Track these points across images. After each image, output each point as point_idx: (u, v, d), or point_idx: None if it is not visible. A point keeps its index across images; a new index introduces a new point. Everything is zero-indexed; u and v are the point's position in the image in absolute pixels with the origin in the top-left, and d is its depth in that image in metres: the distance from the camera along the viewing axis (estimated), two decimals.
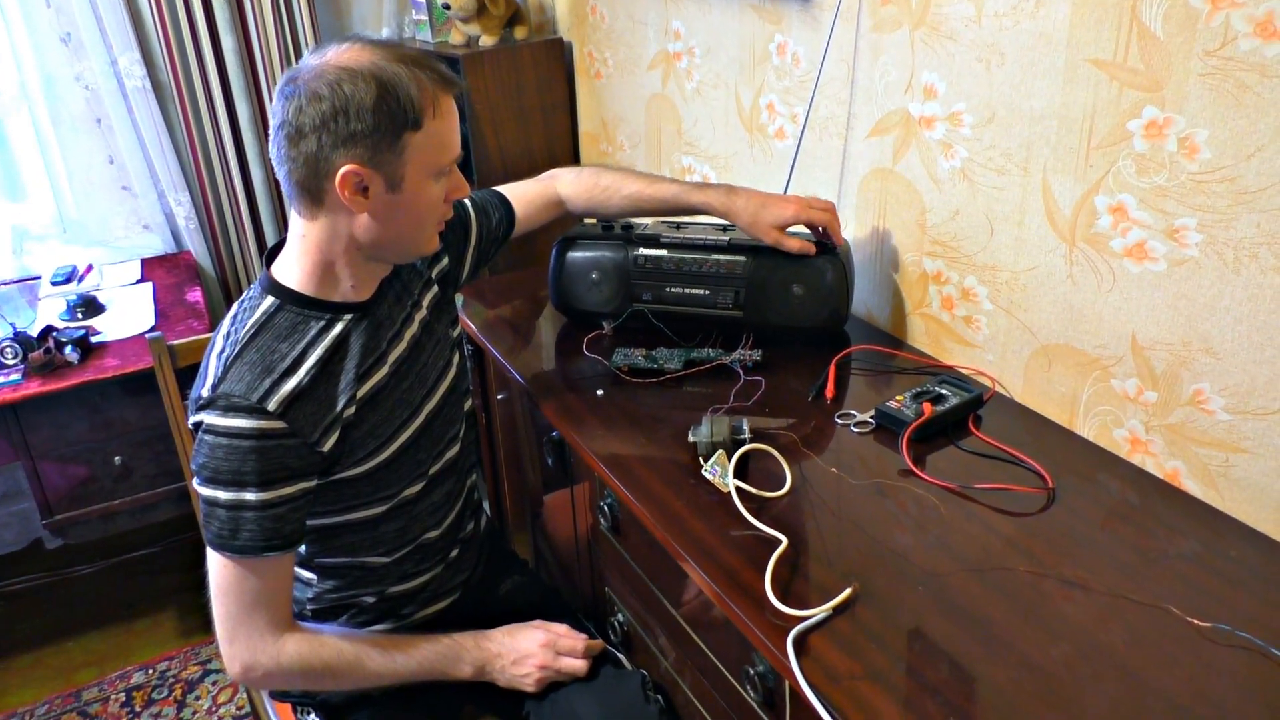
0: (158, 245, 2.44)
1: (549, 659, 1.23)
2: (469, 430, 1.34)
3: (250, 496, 1.04)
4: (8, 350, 1.84)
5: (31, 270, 2.32)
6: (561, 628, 1.27)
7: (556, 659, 1.24)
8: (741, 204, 1.40)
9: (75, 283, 2.21)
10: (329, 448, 1.08)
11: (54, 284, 2.19)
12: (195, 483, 1.06)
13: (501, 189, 1.45)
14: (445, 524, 1.28)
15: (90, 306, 2.08)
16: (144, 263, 2.37)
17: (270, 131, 1.05)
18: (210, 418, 1.03)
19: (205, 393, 1.04)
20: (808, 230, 1.44)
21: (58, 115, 2.27)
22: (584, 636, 1.28)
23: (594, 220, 1.55)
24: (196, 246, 2.42)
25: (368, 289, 1.14)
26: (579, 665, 1.24)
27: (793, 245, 1.40)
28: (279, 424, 1.03)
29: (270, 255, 1.14)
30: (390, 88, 1.00)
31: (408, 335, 1.20)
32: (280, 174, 1.06)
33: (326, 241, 1.08)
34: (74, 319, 2.04)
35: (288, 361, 1.06)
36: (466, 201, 1.37)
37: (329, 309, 1.11)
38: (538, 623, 1.27)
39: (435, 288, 1.28)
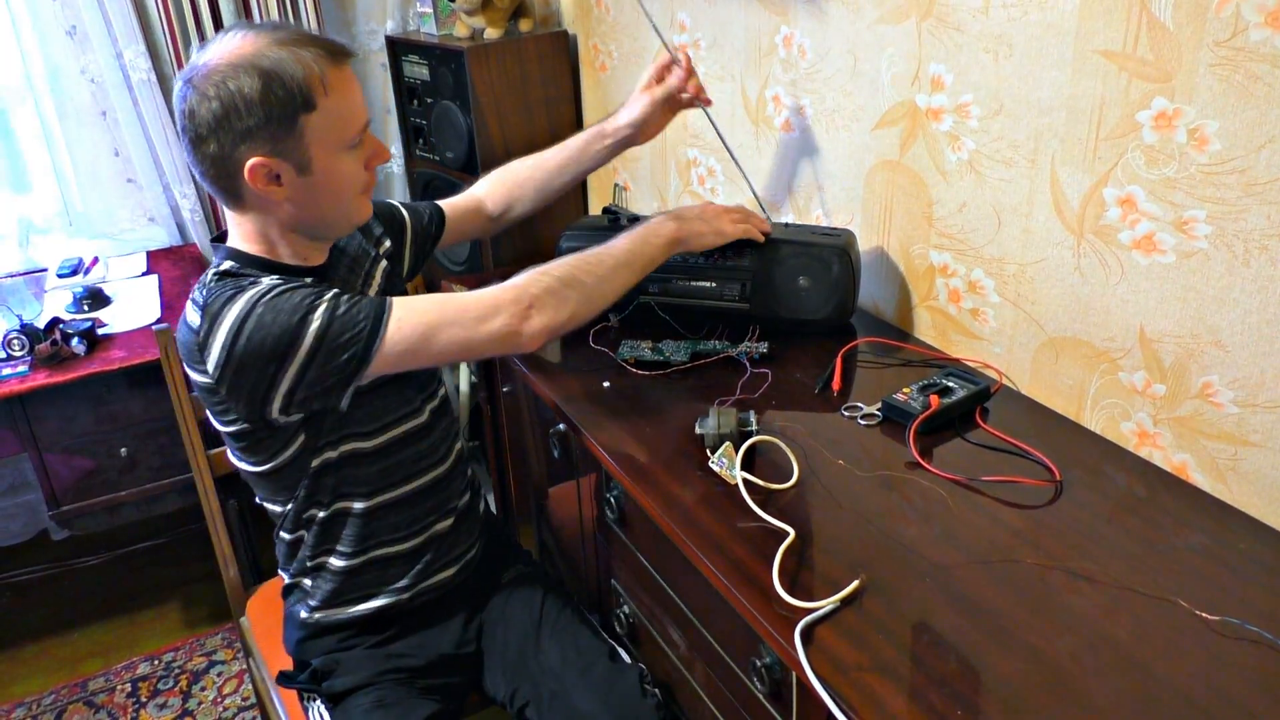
0: (163, 238, 2.44)
1: (742, 216, 1.38)
2: (445, 402, 1.36)
3: (328, 294, 1.05)
4: (14, 342, 1.84)
5: (37, 262, 2.32)
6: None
7: (728, 211, 1.38)
8: (623, 114, 1.46)
9: (81, 275, 2.21)
10: None
11: (60, 276, 2.19)
12: (295, 357, 1.03)
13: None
14: (430, 476, 1.28)
15: (96, 299, 2.08)
16: (149, 255, 2.37)
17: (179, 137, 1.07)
18: (225, 320, 1.03)
19: (200, 325, 1.05)
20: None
21: (63, 108, 2.27)
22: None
23: (599, 214, 1.54)
24: (201, 239, 2.42)
25: (318, 257, 1.17)
26: (769, 226, 1.41)
27: (670, 82, 1.44)
28: (277, 279, 1.07)
29: (219, 239, 1.18)
30: (273, 75, 1.00)
31: (372, 294, 1.22)
32: (196, 176, 1.08)
33: (260, 230, 1.11)
34: (80, 311, 2.04)
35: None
36: (397, 205, 1.40)
37: (286, 271, 1.13)
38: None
39: (385, 262, 1.31)
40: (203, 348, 1.06)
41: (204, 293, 1.08)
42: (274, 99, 1.00)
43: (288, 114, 1.01)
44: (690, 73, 1.43)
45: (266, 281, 1.07)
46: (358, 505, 1.22)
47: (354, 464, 1.20)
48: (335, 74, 1.04)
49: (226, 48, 1.02)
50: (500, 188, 1.50)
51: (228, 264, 1.12)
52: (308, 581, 1.28)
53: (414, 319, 1.09)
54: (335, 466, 1.19)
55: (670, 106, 1.45)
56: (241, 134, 1.01)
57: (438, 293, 1.13)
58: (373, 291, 1.25)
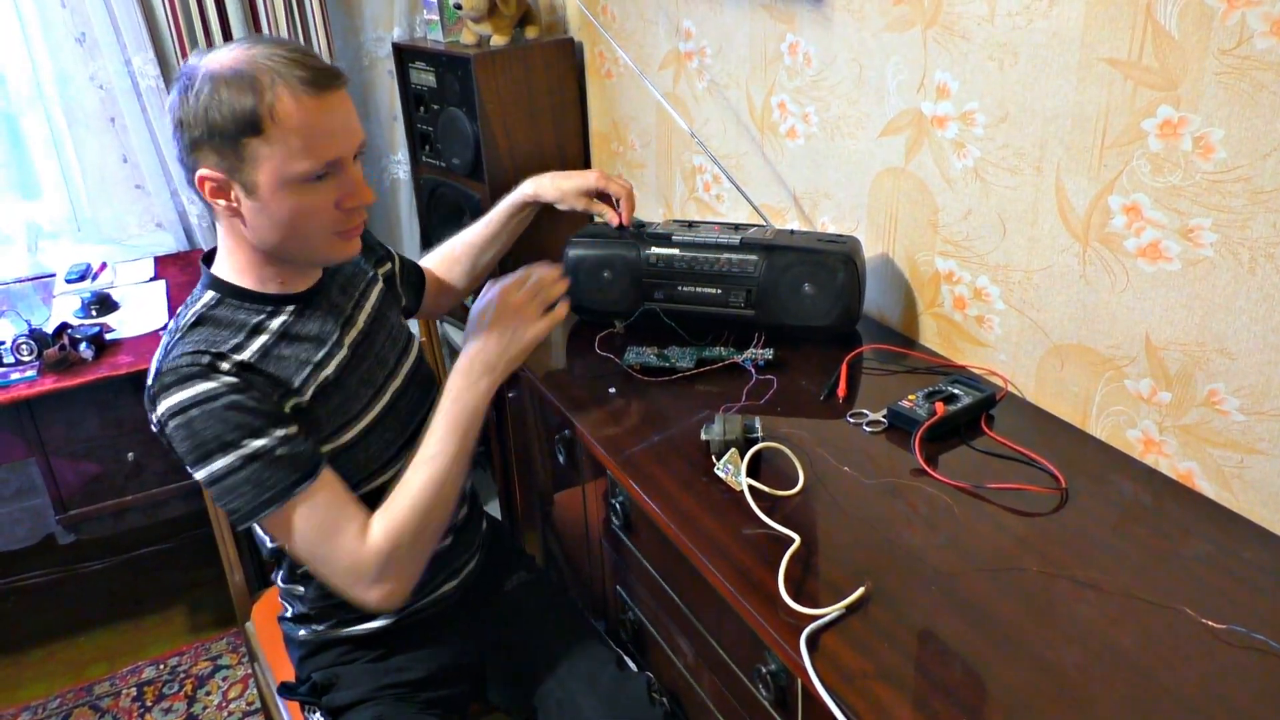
0: (170, 243, 2.45)
1: (528, 296, 1.16)
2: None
3: (256, 444, 1.01)
4: (23, 347, 1.85)
5: (46, 268, 2.33)
6: (508, 279, 1.18)
7: (520, 288, 1.16)
8: (547, 181, 1.47)
9: (89, 280, 2.22)
10: (289, 409, 1.07)
11: (68, 281, 2.20)
12: (193, 471, 1.03)
13: None
14: None
15: (104, 304, 2.08)
16: (157, 260, 2.38)
17: None
18: (167, 401, 1.01)
19: (153, 384, 1.03)
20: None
21: (72, 114, 2.28)
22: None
23: (603, 219, 1.55)
24: (208, 245, 2.42)
25: (303, 281, 1.14)
26: (548, 274, 1.18)
27: (596, 206, 1.47)
28: (236, 380, 1.02)
29: (209, 256, 1.15)
30: (226, 92, 0.97)
31: (361, 319, 1.21)
32: None
33: (236, 239, 1.09)
34: (88, 316, 2.05)
35: (231, 344, 1.06)
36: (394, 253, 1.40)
37: (270, 301, 1.11)
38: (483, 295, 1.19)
39: (381, 283, 1.30)
40: (150, 400, 1.04)
41: (171, 341, 1.05)
42: (220, 116, 0.97)
43: (232, 134, 0.98)
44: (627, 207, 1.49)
45: (223, 382, 1.01)
46: None
47: None
48: (306, 102, 0.99)
49: (218, 55, 1.00)
50: (436, 258, 1.52)
51: (207, 297, 1.09)
52: (311, 611, 1.27)
53: (314, 515, 1.04)
54: None
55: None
56: (193, 142, 1.00)
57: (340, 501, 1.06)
58: (363, 316, 1.21)
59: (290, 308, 1.12)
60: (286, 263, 1.11)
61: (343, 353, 1.16)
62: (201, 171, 1.01)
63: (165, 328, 1.10)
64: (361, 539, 1.06)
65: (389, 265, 1.35)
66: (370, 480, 1.18)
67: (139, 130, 2.29)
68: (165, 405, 1.01)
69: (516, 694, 1.31)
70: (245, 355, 1.06)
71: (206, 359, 1.02)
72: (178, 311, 1.11)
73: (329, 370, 1.13)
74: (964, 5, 1.29)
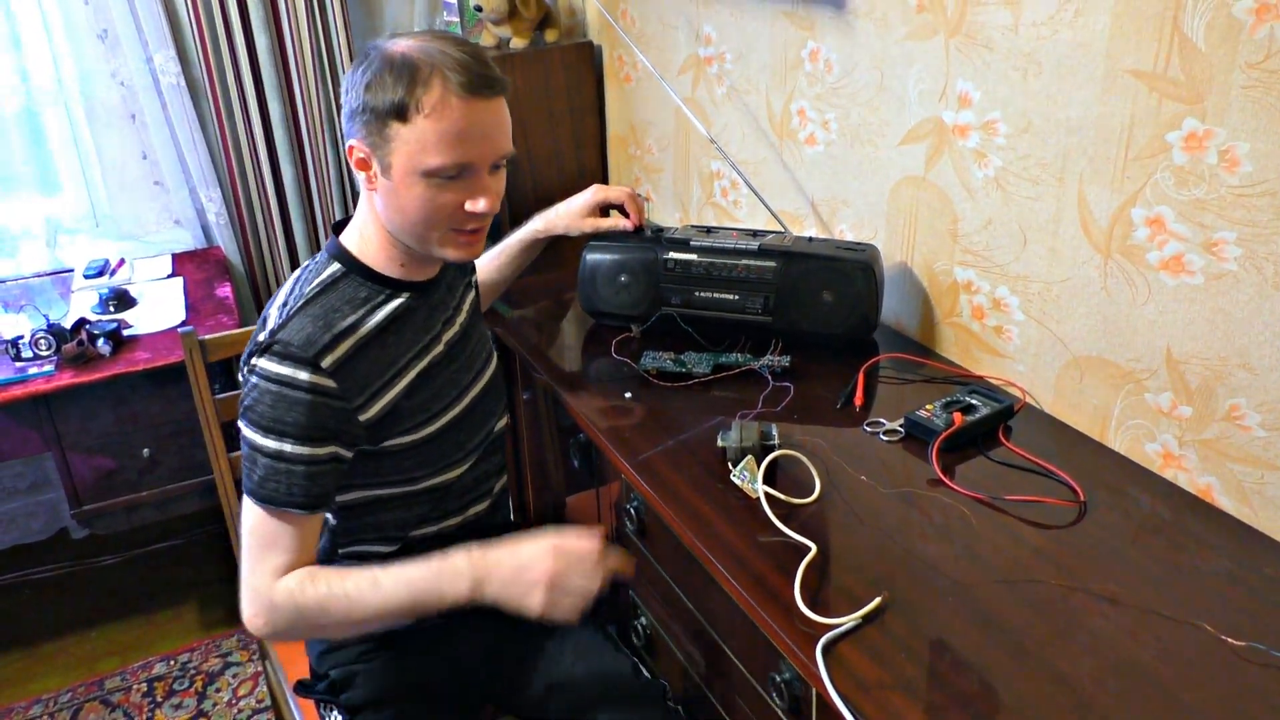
0: (188, 240, 2.46)
1: (559, 572, 1.03)
2: (500, 435, 1.35)
3: (288, 448, 1.05)
4: (41, 342, 1.86)
5: (64, 263, 2.34)
6: (571, 539, 1.06)
7: (566, 577, 1.03)
8: (552, 214, 1.50)
9: (107, 276, 2.23)
10: (370, 416, 1.10)
11: (86, 277, 2.22)
12: (241, 423, 1.08)
13: None
14: (468, 513, 1.28)
15: (122, 300, 2.10)
16: (174, 257, 2.39)
17: None
18: (264, 362, 1.05)
19: (263, 338, 1.07)
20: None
21: (93, 110, 2.29)
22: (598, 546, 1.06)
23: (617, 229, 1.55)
24: (226, 242, 2.44)
25: (422, 271, 1.17)
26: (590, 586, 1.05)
27: (604, 223, 1.49)
28: (329, 382, 1.06)
29: (339, 225, 1.19)
30: (390, 76, 1.03)
31: (459, 321, 1.25)
32: None
33: (371, 214, 1.13)
34: (106, 312, 2.06)
35: (348, 322, 1.09)
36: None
37: (390, 285, 1.14)
38: (551, 534, 1.07)
39: (474, 291, 1.33)
40: (256, 346, 1.07)
41: (294, 306, 1.08)
42: (374, 95, 1.04)
43: (381, 114, 1.04)
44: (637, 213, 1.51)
45: (316, 381, 1.04)
46: (388, 549, 1.23)
47: (383, 508, 1.20)
48: (454, 103, 1.02)
49: (401, 39, 1.06)
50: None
51: (334, 268, 1.13)
52: None
53: (274, 531, 1.08)
54: (372, 506, 1.19)
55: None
56: (350, 112, 1.07)
57: (268, 532, 1.09)
58: (460, 319, 1.26)
59: (406, 295, 1.15)
60: (409, 248, 1.14)
61: (439, 349, 1.19)
62: (351, 141, 1.08)
63: (286, 289, 1.14)
64: (275, 577, 1.09)
65: (476, 274, 1.38)
66: (433, 476, 1.20)
67: (159, 127, 2.30)
68: (261, 365, 1.06)
69: (532, 699, 1.31)
70: (356, 338, 1.09)
71: (315, 349, 1.05)
72: (303, 273, 1.14)
73: (424, 365, 1.16)
74: (988, 15, 1.28)
